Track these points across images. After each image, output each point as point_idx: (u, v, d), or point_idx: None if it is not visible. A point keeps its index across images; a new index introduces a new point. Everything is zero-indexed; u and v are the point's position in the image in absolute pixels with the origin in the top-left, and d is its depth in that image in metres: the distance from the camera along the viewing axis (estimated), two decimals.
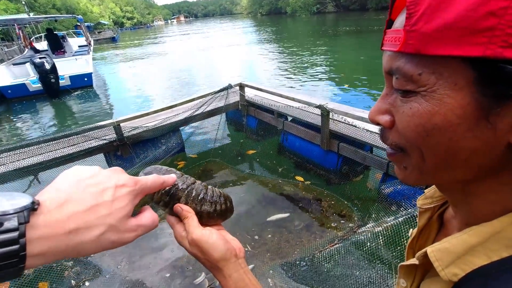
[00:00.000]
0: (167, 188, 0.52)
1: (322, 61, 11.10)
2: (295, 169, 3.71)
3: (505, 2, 0.25)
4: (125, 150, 3.89)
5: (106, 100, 9.34)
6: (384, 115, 0.40)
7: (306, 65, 10.65)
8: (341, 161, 3.32)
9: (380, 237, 2.04)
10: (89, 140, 3.61)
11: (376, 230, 2.08)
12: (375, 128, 2.83)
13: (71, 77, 10.04)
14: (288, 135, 3.99)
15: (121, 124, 3.72)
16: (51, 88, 9.30)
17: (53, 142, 3.39)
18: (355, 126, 2.91)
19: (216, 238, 0.53)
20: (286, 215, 2.90)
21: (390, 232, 2.02)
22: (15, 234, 0.30)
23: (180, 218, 0.55)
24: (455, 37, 0.28)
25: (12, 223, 0.30)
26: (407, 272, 0.50)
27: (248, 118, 4.63)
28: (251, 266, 2.31)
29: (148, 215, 0.44)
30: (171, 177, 0.51)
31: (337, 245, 2.21)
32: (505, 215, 0.34)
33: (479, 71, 0.29)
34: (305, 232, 2.66)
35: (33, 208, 0.32)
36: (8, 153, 3.14)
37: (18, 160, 3.18)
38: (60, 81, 9.50)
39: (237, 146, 4.38)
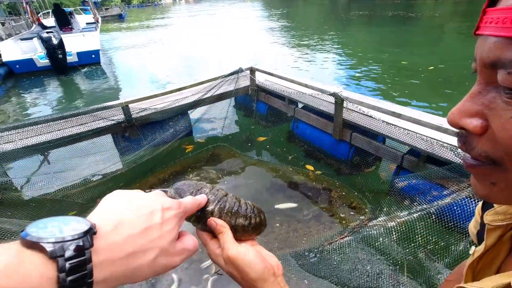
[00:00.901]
0: None
1: (333, 47, 10.80)
2: (305, 158, 3.65)
3: None
4: (133, 132, 3.85)
5: (113, 78, 9.24)
6: (473, 118, 0.32)
7: (316, 50, 10.38)
8: (353, 151, 3.24)
9: (394, 233, 1.99)
10: (97, 120, 3.57)
11: (389, 225, 2.03)
12: (390, 119, 2.73)
13: (79, 54, 9.96)
14: (299, 122, 3.90)
15: (130, 105, 3.66)
16: (59, 64, 9.27)
17: (62, 121, 3.35)
18: (371, 116, 2.81)
19: (253, 256, 0.48)
20: (295, 205, 2.86)
21: (404, 228, 1.97)
22: (82, 258, 0.29)
23: (213, 234, 0.50)
24: None
25: (76, 248, 0.29)
26: None
27: (258, 104, 4.53)
28: None
29: (189, 239, 0.43)
30: (203, 196, 0.49)
31: (347, 237, 2.18)
32: None
33: None
34: (314, 222, 2.62)
35: (94, 232, 0.31)
36: (17, 130, 3.12)
37: (26, 138, 3.16)
38: (68, 57, 9.45)
39: (246, 131, 4.31)
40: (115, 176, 3.29)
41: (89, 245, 0.30)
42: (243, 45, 12.32)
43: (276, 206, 2.84)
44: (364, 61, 8.68)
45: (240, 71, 4.36)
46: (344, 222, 2.59)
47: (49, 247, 0.27)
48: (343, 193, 2.95)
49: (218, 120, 4.34)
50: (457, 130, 0.36)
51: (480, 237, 0.54)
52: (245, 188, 3.18)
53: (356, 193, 2.93)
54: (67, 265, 0.27)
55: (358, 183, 3.02)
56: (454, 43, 10.61)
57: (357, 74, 7.53)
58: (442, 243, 1.94)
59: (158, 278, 2.20)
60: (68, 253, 0.28)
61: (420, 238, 1.93)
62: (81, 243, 0.29)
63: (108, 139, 3.77)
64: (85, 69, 9.94)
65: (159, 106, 3.93)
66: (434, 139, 2.42)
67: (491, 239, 0.44)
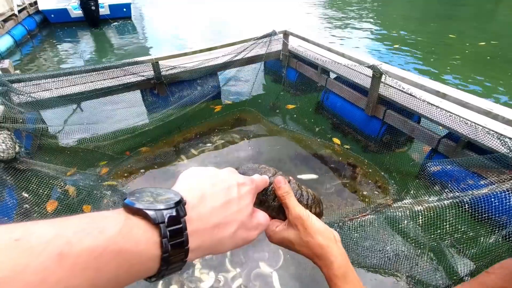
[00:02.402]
0: None
1: (373, 16, 9.99)
2: (332, 131, 3.54)
3: None
4: (161, 89, 3.86)
5: (143, 34, 9.18)
6: None
7: (354, 19, 9.66)
8: (384, 129, 3.10)
9: (420, 217, 1.93)
10: (128, 75, 3.59)
11: (416, 209, 1.97)
12: (431, 98, 2.54)
13: (110, 6, 9.91)
14: (330, 93, 3.74)
15: (160, 62, 3.63)
16: (91, 16, 9.32)
17: (94, 73, 3.40)
18: (411, 94, 2.62)
19: (319, 222, 0.50)
20: (316, 176, 2.83)
21: (432, 213, 1.90)
22: (179, 226, 0.31)
23: (271, 216, 0.52)
24: None
25: (173, 217, 0.31)
26: None
27: (288, 70, 4.36)
28: None
29: (262, 214, 0.44)
30: (266, 177, 0.50)
31: (369, 215, 2.14)
32: None
33: None
34: (336, 197, 2.60)
35: (184, 202, 0.33)
36: (53, 79, 3.21)
37: (61, 87, 3.25)
38: (100, 9, 9.43)
39: (274, 98, 4.21)
40: (142, 132, 3.37)
41: (183, 214, 0.32)
42: (277, 9, 11.66)
43: (299, 176, 2.82)
44: (406, 33, 8.01)
45: (273, 34, 4.16)
46: (367, 200, 2.54)
47: (152, 214, 0.30)
48: (369, 171, 2.87)
49: (247, 84, 4.24)
50: None
51: None
52: (269, 155, 3.17)
53: (382, 173, 2.84)
54: (168, 231, 0.30)
55: (386, 163, 2.91)
56: (507, 21, 9.48)
57: (396, 46, 7.00)
58: (471, 234, 1.86)
59: None
60: (169, 221, 0.31)
61: (448, 226, 1.86)
62: (175, 213, 0.31)
63: (137, 95, 3.82)
64: (116, 23, 9.92)
65: (188, 65, 3.88)
66: (480, 124, 2.24)
67: None
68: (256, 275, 2.02)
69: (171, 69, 3.76)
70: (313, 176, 2.83)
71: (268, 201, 0.50)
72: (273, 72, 4.66)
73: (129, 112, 3.62)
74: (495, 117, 1.99)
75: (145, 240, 0.29)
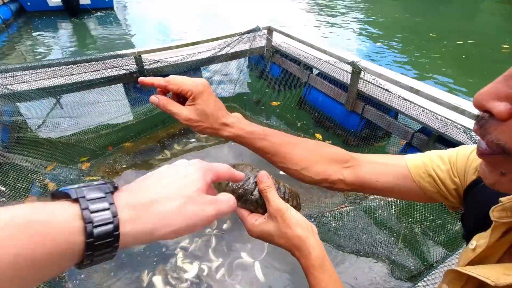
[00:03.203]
0: (241, 182, 0.54)
1: (356, 12, 10.18)
2: (315, 126, 3.64)
3: None
4: None
5: (126, 26, 8.98)
6: (502, 101, 0.32)
7: (338, 15, 9.81)
8: (363, 124, 3.21)
9: (393, 207, 2.04)
10: (109, 68, 3.54)
11: (389, 199, 2.08)
12: (407, 94, 2.66)
13: None
14: (311, 89, 3.83)
15: (142, 56, 3.60)
16: (71, 5, 8.99)
17: (74, 66, 3.34)
18: (387, 90, 2.74)
19: (298, 215, 0.52)
20: None
21: (404, 203, 2.02)
22: (103, 197, 0.30)
23: (250, 211, 0.55)
24: None
25: (96, 192, 0.30)
26: (456, 279, 0.47)
27: (272, 66, 4.41)
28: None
29: (223, 194, 0.43)
30: (241, 174, 0.48)
31: (347, 207, 2.25)
32: None
33: None
34: (316, 190, 2.69)
35: (115, 185, 0.33)
36: (31, 71, 3.12)
37: (40, 80, 3.18)
38: None
39: (257, 94, 4.26)
40: (126, 126, 3.35)
41: (109, 191, 0.31)
42: (263, 2, 11.65)
43: (281, 173, 2.89)
44: (388, 30, 8.22)
45: (257, 29, 4.19)
46: (345, 192, 2.65)
47: (71, 192, 0.29)
48: None
49: (230, 79, 4.27)
50: (479, 113, 0.35)
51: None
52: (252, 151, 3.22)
53: None
54: (90, 204, 0.28)
55: None
56: (488, 21, 9.89)
57: (379, 43, 7.19)
58: (439, 221, 1.99)
59: None
60: (90, 195, 0.29)
61: (418, 214, 1.99)
62: (98, 188, 0.30)
63: (119, 88, 3.78)
64: (98, 13, 9.63)
65: (172, 59, 3.87)
66: (449, 119, 2.37)
67: (496, 234, 0.44)
68: (238, 265, 2.09)
69: (154, 62, 3.74)
70: None
71: (246, 194, 0.53)
72: (257, 68, 4.70)
73: (112, 106, 3.59)
74: (462, 112, 2.12)
75: (61, 211, 0.27)
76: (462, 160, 0.59)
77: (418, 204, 1.97)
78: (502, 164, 0.34)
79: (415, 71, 5.72)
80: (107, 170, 2.88)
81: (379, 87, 2.91)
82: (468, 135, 2.14)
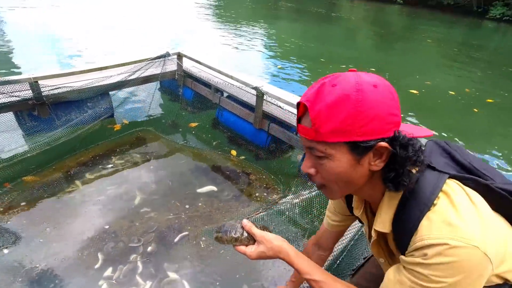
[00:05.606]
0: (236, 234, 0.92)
1: (260, 35, 11.26)
2: (229, 144, 3.96)
3: (349, 120, 0.62)
4: (43, 111, 3.54)
5: (7, 45, 7.83)
6: (311, 168, 0.74)
7: (243, 37, 10.68)
8: (270, 140, 3.69)
9: (296, 207, 2.47)
10: None
11: (294, 202, 2.51)
12: None
13: None
14: (223, 110, 4.17)
15: (40, 82, 3.35)
16: None
17: None
18: (287, 110, 3.27)
19: (270, 234, 0.91)
20: (215, 188, 3.14)
21: (304, 203, 2.47)
22: None
23: (245, 245, 0.91)
24: (337, 134, 0.64)
25: None
26: (375, 245, 0.86)
27: (184, 89, 4.61)
28: (185, 233, 2.53)
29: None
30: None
31: (261, 213, 2.59)
32: (383, 196, 0.75)
33: (350, 145, 0.65)
34: (234, 202, 2.98)
35: None
36: None
37: None
38: None
39: (172, 116, 4.37)
40: (24, 159, 3.03)
41: None
42: (168, 24, 11.75)
43: (198, 190, 3.07)
44: (288, 53, 9.36)
45: (167, 55, 4.35)
46: (259, 200, 3.01)
47: None
48: (260, 176, 3.38)
49: (143, 103, 4.29)
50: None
51: None
52: (171, 172, 3.32)
53: (272, 176, 3.39)
54: None
55: (274, 167, 3.48)
56: (363, 46, 12.22)
57: (280, 66, 8.14)
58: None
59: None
60: None
61: (315, 211, 2.46)
62: None
63: (9, 117, 3.40)
64: None
65: (76, 84, 3.69)
66: None
67: (364, 218, 0.90)
68: (167, 284, 2.17)
69: (55, 88, 3.50)
70: (212, 187, 3.14)
71: (239, 238, 0.90)
72: (169, 91, 4.82)
73: (2, 138, 3.20)
74: None
75: None
76: (338, 202, 1.09)
77: (314, 201, 2.45)
78: (326, 190, 0.76)
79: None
80: (5, 209, 2.57)
81: (279, 107, 3.43)
82: None
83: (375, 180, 0.72)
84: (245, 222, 0.91)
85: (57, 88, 3.51)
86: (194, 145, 3.88)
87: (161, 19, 12.04)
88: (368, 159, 0.67)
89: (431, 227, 0.63)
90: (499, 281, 0.71)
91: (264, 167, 3.51)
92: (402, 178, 0.67)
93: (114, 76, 3.87)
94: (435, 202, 0.65)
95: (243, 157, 3.68)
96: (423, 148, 0.72)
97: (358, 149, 0.64)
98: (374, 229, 0.78)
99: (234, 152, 3.73)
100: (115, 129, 3.88)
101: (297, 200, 2.54)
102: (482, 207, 0.66)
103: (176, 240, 2.47)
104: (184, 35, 10.20)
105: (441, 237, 0.61)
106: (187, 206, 2.86)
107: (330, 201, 1.11)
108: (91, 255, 2.29)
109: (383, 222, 0.74)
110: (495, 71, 9.68)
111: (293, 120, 3.32)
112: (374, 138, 0.63)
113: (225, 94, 4.20)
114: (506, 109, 6.37)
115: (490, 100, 6.66)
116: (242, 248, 0.89)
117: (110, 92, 4.03)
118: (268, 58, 8.85)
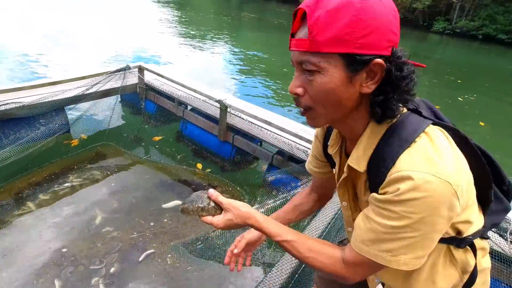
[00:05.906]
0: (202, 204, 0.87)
1: (224, 45, 11.39)
2: (194, 157, 3.94)
3: (348, 29, 0.59)
4: None
5: None
6: (299, 88, 0.70)
7: (207, 48, 10.73)
8: (234, 151, 3.74)
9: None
10: None
11: (260, 211, 2.56)
12: (265, 125, 3.34)
13: None
14: (187, 123, 4.15)
15: None
16: None
17: None
18: (251, 122, 3.36)
19: (236, 201, 0.85)
20: (179, 202, 3.11)
21: (269, 212, 2.53)
22: None
23: (212, 215, 0.86)
24: (334, 44, 0.62)
25: None
26: (342, 186, 0.85)
27: (146, 103, 4.52)
28: (150, 251, 2.47)
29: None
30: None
31: None
32: (365, 129, 0.72)
33: (346, 59, 0.62)
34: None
35: None
36: None
37: None
38: None
39: (134, 130, 4.26)
40: None
41: None
42: (130, 37, 11.45)
43: (163, 206, 3.02)
44: (252, 63, 9.56)
45: (127, 68, 4.27)
46: None
47: None
48: (226, 188, 3.41)
49: (103, 118, 4.13)
50: (294, 96, 0.73)
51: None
52: (134, 188, 3.23)
53: (237, 188, 3.43)
54: None
55: (239, 179, 3.53)
56: None
57: (243, 76, 8.28)
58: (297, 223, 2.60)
59: None
60: None
61: None
62: None
63: None
64: None
65: (26, 100, 3.47)
66: (294, 142, 3.14)
67: (337, 158, 0.87)
68: None
69: (1, 105, 3.26)
70: (178, 202, 3.09)
71: (206, 207, 0.85)
72: (131, 105, 4.70)
73: None
74: (301, 138, 2.89)
75: None
76: (315, 143, 1.05)
77: None
78: (312, 114, 0.72)
79: (273, 102, 6.92)
80: None
81: (243, 119, 3.51)
82: (306, 153, 2.91)
83: (361, 111, 0.71)
84: (212, 191, 0.86)
85: (4, 104, 3.28)
86: (158, 159, 3.81)
87: (123, 32, 11.71)
88: (360, 80, 0.64)
89: (409, 161, 0.63)
90: (453, 233, 0.73)
91: (230, 179, 3.54)
92: (391, 102, 0.65)
93: (70, 90, 3.70)
94: (416, 140, 0.65)
95: (208, 170, 3.68)
96: (416, 80, 0.68)
97: (353, 64, 0.62)
98: (348, 165, 0.76)
99: (199, 165, 3.72)
100: (72, 145, 3.69)
101: (263, 209, 2.61)
102: (460, 152, 0.68)
103: (141, 259, 2.40)
104: (147, 48, 10.00)
105: (418, 170, 0.60)
106: (151, 223, 2.79)
107: (311, 147, 1.08)
108: (47, 282, 2.15)
109: (358, 159, 0.73)
110: (440, 80, 10.70)
111: (257, 132, 3.41)
112: (371, 53, 0.61)
113: (189, 107, 4.20)
114: (451, 115, 7.05)
115: (437, 107, 7.33)
116: (208, 218, 0.85)
117: (66, 107, 3.84)
118: (231, 70, 8.98)
